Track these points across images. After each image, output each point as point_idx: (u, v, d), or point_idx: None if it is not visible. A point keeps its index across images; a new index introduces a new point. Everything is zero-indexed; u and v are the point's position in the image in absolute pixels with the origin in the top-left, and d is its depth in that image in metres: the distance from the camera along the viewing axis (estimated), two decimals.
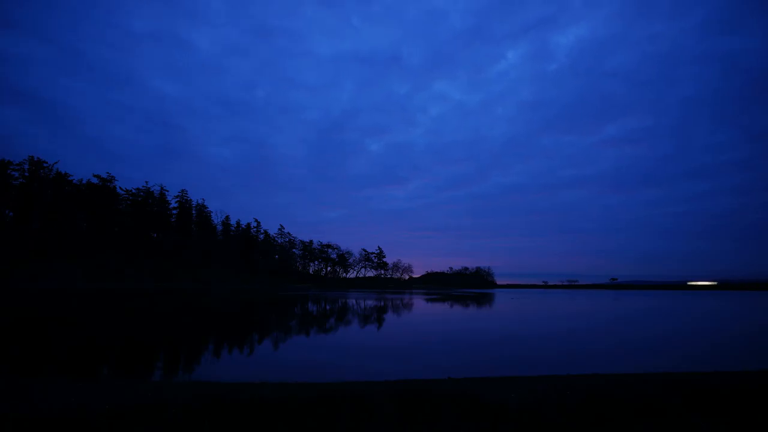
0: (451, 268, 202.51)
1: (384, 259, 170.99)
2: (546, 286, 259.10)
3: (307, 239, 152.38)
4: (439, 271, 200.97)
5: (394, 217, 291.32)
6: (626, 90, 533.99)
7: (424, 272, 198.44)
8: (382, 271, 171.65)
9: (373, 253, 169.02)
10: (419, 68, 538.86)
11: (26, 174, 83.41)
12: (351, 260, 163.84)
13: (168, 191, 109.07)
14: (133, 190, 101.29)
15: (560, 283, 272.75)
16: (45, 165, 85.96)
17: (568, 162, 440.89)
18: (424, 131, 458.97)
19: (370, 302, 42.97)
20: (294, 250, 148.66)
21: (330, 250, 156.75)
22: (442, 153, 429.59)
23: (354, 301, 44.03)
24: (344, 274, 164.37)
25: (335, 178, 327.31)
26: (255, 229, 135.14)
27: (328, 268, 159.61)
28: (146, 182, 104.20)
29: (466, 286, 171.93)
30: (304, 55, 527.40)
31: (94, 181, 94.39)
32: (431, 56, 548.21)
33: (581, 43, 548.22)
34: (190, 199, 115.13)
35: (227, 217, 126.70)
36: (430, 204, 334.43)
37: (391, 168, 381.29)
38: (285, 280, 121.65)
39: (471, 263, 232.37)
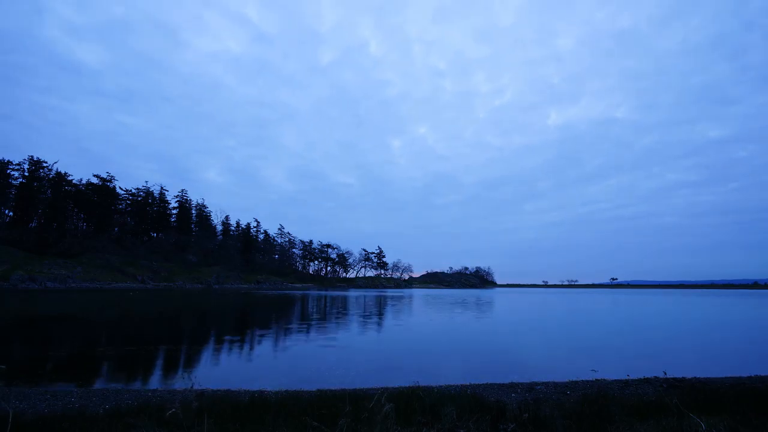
0: (451, 268, 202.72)
1: (384, 259, 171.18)
2: (547, 286, 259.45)
3: (307, 239, 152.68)
4: (439, 270, 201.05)
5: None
6: None
7: (424, 272, 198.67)
8: (382, 271, 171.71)
9: (373, 252, 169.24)
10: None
11: (26, 174, 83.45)
12: (351, 260, 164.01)
13: (168, 191, 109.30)
14: (133, 190, 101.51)
15: (560, 283, 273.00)
16: (44, 165, 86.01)
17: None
18: None
19: (370, 301, 42.96)
20: (294, 249, 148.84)
21: (330, 250, 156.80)
22: None
23: (354, 299, 44.05)
24: (344, 274, 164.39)
25: None
26: (255, 229, 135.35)
27: (328, 268, 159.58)
28: (146, 182, 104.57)
29: (467, 285, 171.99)
30: None
31: (94, 180, 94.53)
32: None
33: None
34: (190, 199, 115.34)
35: (227, 217, 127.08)
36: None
37: None
38: (285, 279, 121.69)
39: (470, 263, 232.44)
